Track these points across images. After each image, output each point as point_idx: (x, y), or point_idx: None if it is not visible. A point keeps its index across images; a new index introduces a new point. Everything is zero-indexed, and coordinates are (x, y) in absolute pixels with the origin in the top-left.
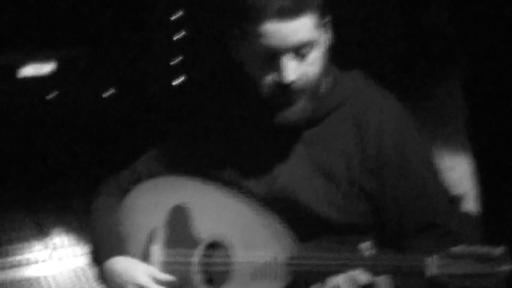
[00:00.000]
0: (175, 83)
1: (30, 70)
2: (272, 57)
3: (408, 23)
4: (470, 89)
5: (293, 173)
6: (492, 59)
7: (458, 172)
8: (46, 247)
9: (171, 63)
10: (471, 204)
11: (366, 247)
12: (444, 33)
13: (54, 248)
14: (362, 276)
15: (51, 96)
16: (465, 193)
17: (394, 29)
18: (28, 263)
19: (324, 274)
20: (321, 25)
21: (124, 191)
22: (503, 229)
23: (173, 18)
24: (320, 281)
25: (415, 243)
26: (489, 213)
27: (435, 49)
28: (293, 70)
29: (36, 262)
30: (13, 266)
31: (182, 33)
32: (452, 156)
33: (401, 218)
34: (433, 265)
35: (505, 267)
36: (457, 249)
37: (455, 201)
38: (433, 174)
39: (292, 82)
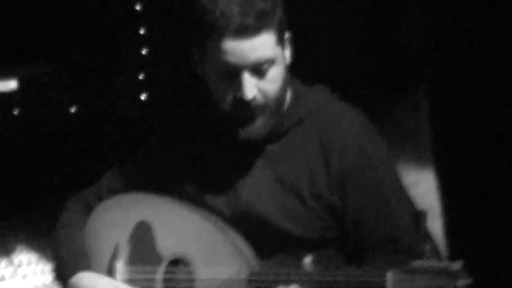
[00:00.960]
0: (142, 97)
1: None
2: (232, 74)
3: (373, 38)
4: (434, 104)
5: (256, 188)
6: (457, 74)
7: (423, 187)
8: (10, 265)
9: (138, 78)
10: (435, 219)
11: (308, 261)
12: (409, 48)
13: (19, 266)
14: None
15: (16, 111)
16: (430, 208)
17: (358, 43)
18: None
19: None
20: (280, 42)
21: (89, 208)
22: (466, 244)
23: (139, 33)
24: None
25: (374, 258)
26: (452, 228)
27: (400, 64)
28: (252, 87)
29: (1, 279)
30: None
31: (147, 49)
32: (417, 171)
33: (361, 233)
34: (391, 280)
35: (462, 282)
36: (415, 264)
37: (419, 216)
38: (396, 189)
39: (252, 98)
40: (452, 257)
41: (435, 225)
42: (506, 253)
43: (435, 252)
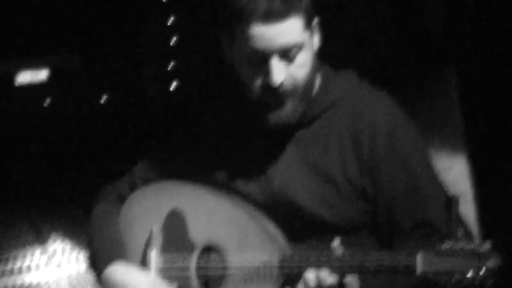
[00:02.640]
0: (171, 88)
1: (26, 77)
2: (260, 59)
3: (402, 24)
4: (466, 90)
5: (288, 174)
6: (487, 60)
7: (456, 173)
8: (44, 254)
9: (168, 68)
10: (468, 205)
11: (336, 244)
12: (439, 34)
13: (53, 255)
14: (328, 277)
15: (47, 102)
16: (463, 193)
17: (388, 29)
18: (27, 269)
19: None
20: (308, 27)
21: (122, 198)
22: (499, 230)
23: (166, 23)
24: None
25: (406, 242)
26: (485, 214)
27: (430, 49)
28: (281, 72)
29: (35, 268)
30: (12, 273)
31: (175, 38)
32: (449, 156)
33: (393, 216)
34: (421, 262)
35: (492, 262)
36: (445, 245)
37: (452, 201)
38: (428, 173)
39: (281, 84)
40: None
41: (468, 210)
42: None
43: (468, 237)
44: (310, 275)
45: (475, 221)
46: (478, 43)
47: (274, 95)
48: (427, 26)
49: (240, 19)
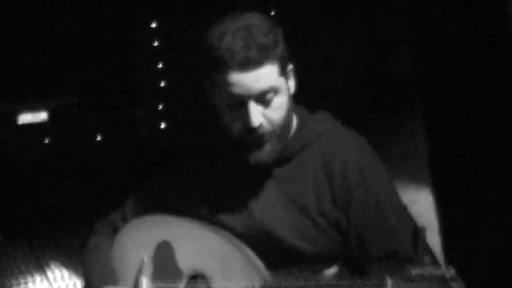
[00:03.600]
0: (162, 126)
1: (28, 117)
2: (239, 103)
3: (371, 70)
4: (430, 129)
5: (267, 208)
6: (450, 100)
7: (422, 205)
8: (45, 280)
9: (158, 109)
10: (434, 235)
11: (331, 272)
12: (407, 77)
13: (54, 281)
14: None
15: (47, 140)
16: (429, 224)
17: (359, 73)
18: None
19: None
20: (283, 73)
21: (115, 230)
22: (463, 258)
23: (156, 68)
24: None
25: (376, 269)
26: (449, 243)
27: (397, 92)
28: (258, 115)
29: None
30: None
31: (165, 82)
32: (416, 190)
33: (364, 246)
34: (390, 286)
35: (456, 286)
36: (413, 271)
37: (418, 231)
38: (395, 206)
39: (259, 126)
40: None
41: (434, 240)
42: (500, 267)
43: (435, 264)
44: None
45: (441, 249)
46: (445, 85)
47: (254, 137)
48: (395, 73)
49: (220, 67)
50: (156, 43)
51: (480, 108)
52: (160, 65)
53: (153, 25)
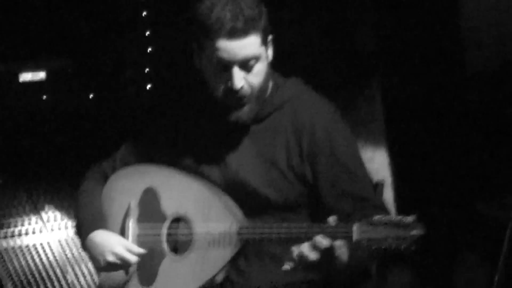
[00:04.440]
0: (147, 87)
1: (28, 76)
2: (225, 67)
3: (337, 43)
4: (386, 96)
5: (243, 161)
6: (404, 71)
7: (377, 163)
8: (40, 220)
9: (145, 71)
10: (387, 189)
11: (333, 219)
12: (365, 51)
13: (47, 221)
14: (323, 241)
15: (45, 97)
16: (383, 180)
17: (327, 47)
18: (24, 233)
19: (267, 241)
20: (265, 43)
21: (105, 177)
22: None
23: (144, 35)
24: (268, 252)
25: (345, 216)
26: (402, 197)
27: (359, 64)
28: (241, 79)
29: (31, 232)
30: (11, 235)
31: (153, 47)
32: (373, 149)
33: (335, 195)
34: (356, 232)
35: (416, 232)
36: (376, 217)
37: (378, 185)
38: (359, 160)
39: (241, 88)
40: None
41: (388, 194)
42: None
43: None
44: (319, 238)
45: (393, 202)
46: (397, 61)
47: (235, 98)
48: (357, 46)
49: (209, 35)
50: (144, 13)
51: (429, 79)
52: (147, 33)
53: None
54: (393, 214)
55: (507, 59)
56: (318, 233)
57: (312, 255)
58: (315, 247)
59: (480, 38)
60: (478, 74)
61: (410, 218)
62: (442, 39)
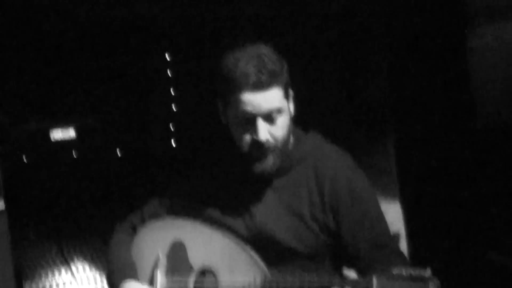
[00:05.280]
0: (172, 143)
1: (59, 134)
2: (249, 120)
3: (352, 97)
4: (400, 150)
5: (267, 213)
6: (418, 127)
7: (391, 216)
8: (69, 272)
9: (170, 127)
10: (402, 242)
11: (349, 273)
12: (382, 106)
13: (77, 273)
14: None
15: (75, 154)
16: (397, 233)
17: (343, 103)
18: (55, 285)
19: None
20: (286, 96)
21: (134, 229)
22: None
23: (169, 93)
24: None
25: (368, 263)
26: (415, 250)
27: (373, 116)
28: (265, 131)
29: (62, 284)
30: (43, 287)
31: (175, 106)
32: (386, 202)
33: (356, 243)
34: (376, 284)
35: (432, 285)
36: (395, 271)
37: (394, 237)
38: (378, 208)
39: (265, 140)
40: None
41: (402, 246)
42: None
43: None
44: None
45: (408, 254)
46: (414, 112)
47: (259, 150)
48: (371, 102)
49: (234, 89)
50: (169, 73)
51: (443, 134)
52: (172, 92)
53: (167, 56)
54: (409, 268)
55: None
56: (340, 285)
57: None
58: None
59: (490, 92)
60: (491, 127)
61: (427, 272)
62: (453, 91)
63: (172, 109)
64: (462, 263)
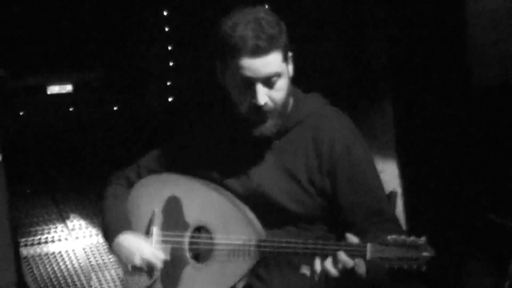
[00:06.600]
0: (169, 99)
1: (56, 88)
2: (248, 84)
3: (351, 59)
4: (398, 110)
5: (264, 174)
6: (415, 87)
7: (388, 174)
8: (65, 229)
9: (167, 84)
10: (398, 200)
11: (350, 236)
12: (380, 66)
13: (72, 229)
14: (347, 260)
15: (71, 108)
16: (396, 191)
17: (342, 64)
18: (50, 241)
19: (285, 254)
20: (285, 59)
21: (130, 183)
22: (422, 221)
23: (168, 49)
24: (286, 260)
25: (363, 229)
26: (411, 208)
27: (372, 79)
28: (264, 95)
29: (57, 240)
30: (37, 243)
31: (172, 62)
32: (383, 161)
33: (353, 208)
34: (370, 250)
35: (426, 253)
36: (390, 238)
37: (391, 195)
38: (375, 174)
39: (264, 104)
40: (411, 230)
41: (398, 204)
42: (453, 230)
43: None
44: (343, 257)
45: (403, 213)
46: (408, 77)
47: (258, 113)
48: (370, 63)
49: (232, 54)
50: (166, 29)
51: (439, 91)
52: (169, 48)
53: (165, 13)
54: (404, 236)
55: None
56: (333, 250)
57: (334, 270)
58: (337, 264)
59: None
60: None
61: (421, 240)
62: (449, 53)
63: (169, 64)
64: (459, 222)
